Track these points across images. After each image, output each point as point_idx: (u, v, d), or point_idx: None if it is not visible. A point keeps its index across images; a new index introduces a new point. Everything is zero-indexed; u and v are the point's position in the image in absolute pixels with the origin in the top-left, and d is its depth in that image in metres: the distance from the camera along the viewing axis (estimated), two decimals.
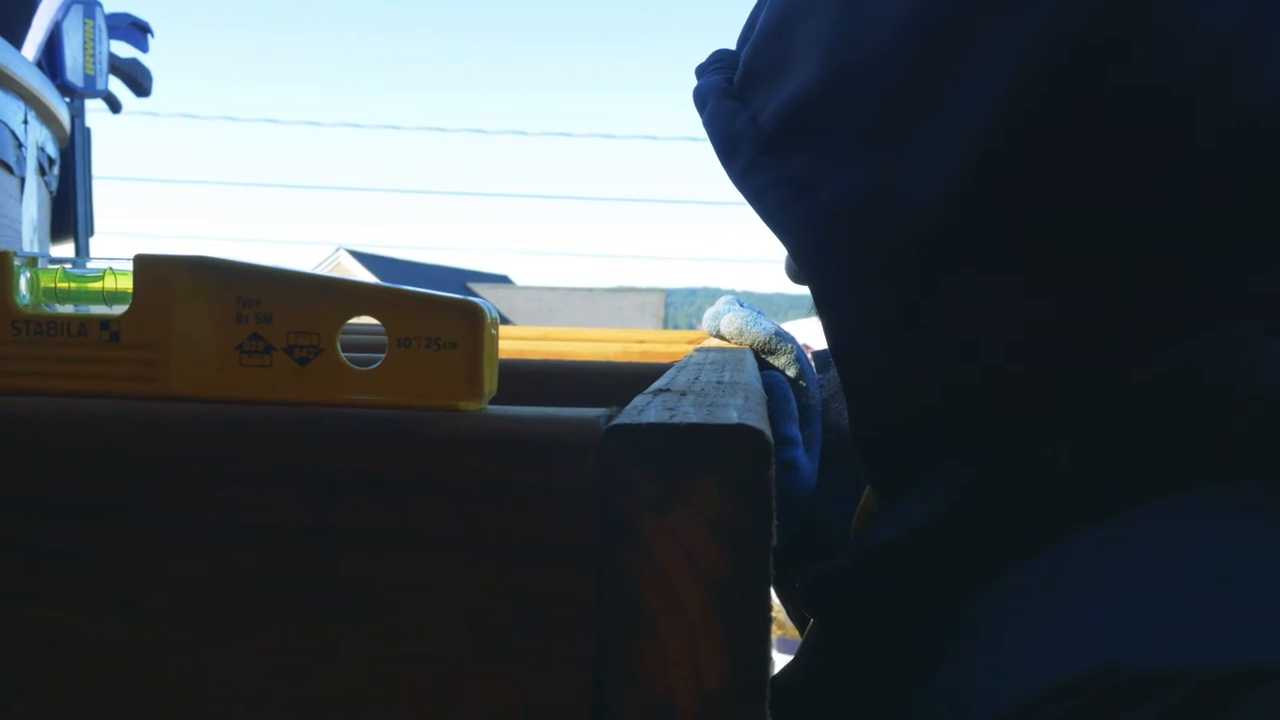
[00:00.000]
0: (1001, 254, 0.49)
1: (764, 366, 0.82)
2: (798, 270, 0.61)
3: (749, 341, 0.82)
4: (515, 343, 1.20)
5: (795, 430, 0.81)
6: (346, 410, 0.32)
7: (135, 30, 2.25)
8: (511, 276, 35.73)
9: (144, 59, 2.29)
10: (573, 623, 0.30)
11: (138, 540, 0.31)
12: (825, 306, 0.54)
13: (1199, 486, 0.43)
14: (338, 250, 24.92)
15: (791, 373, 0.83)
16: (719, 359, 0.57)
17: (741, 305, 0.85)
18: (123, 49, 2.24)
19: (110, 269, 0.37)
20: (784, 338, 0.83)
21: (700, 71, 0.63)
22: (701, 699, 0.29)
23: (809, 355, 0.84)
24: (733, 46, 0.65)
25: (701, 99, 0.61)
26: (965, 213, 0.48)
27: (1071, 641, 0.36)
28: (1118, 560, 0.40)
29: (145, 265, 0.35)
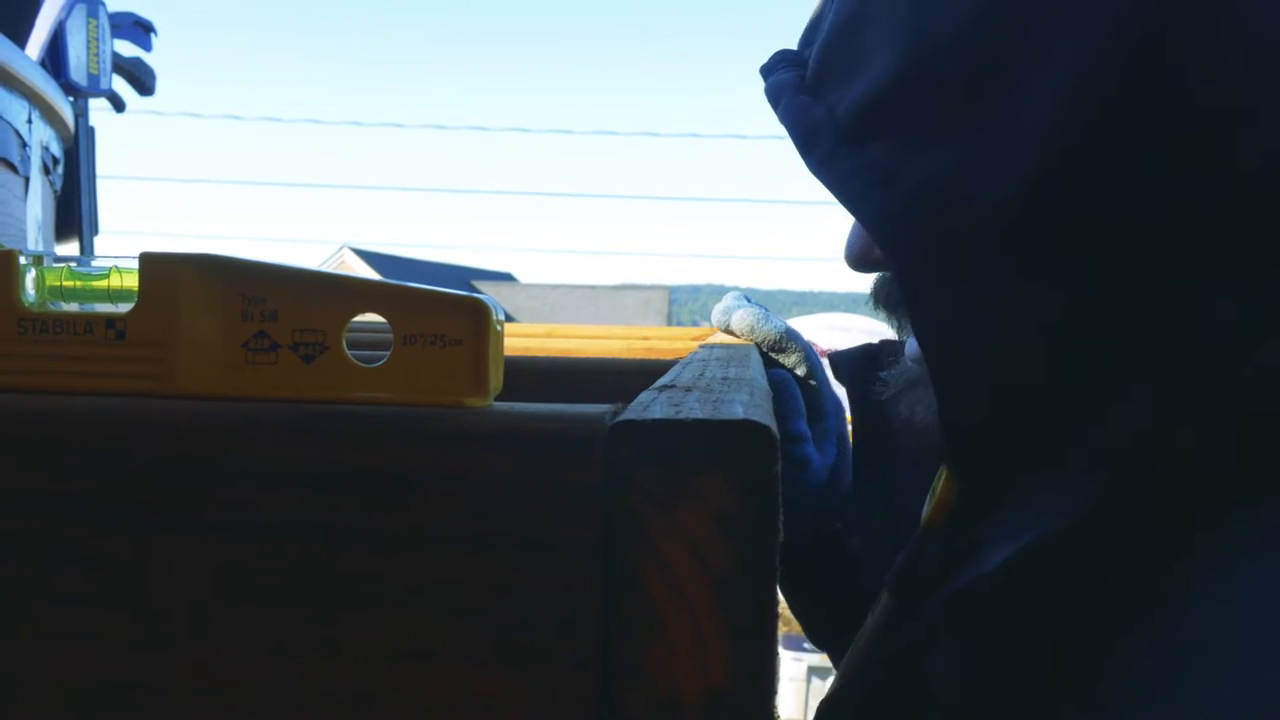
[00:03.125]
0: (1080, 248, 0.51)
1: (771, 364, 0.83)
2: (859, 258, 0.64)
3: (759, 339, 0.83)
4: (519, 340, 1.20)
5: (804, 426, 0.81)
6: (352, 407, 0.32)
7: (139, 29, 2.25)
8: (515, 274, 35.75)
9: (147, 58, 2.29)
10: (579, 619, 0.30)
11: (142, 538, 0.31)
12: (909, 291, 0.55)
13: None
14: (341, 248, 24.94)
15: (801, 371, 0.84)
16: (724, 355, 0.57)
17: (749, 302, 0.85)
18: (126, 48, 2.24)
19: (115, 267, 0.37)
20: (793, 337, 0.84)
21: (767, 71, 0.65)
22: (708, 694, 0.29)
23: (819, 353, 0.85)
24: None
25: (775, 96, 0.62)
26: (1041, 204, 0.50)
27: None
28: None
29: (151, 263, 0.35)
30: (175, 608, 0.31)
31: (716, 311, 0.88)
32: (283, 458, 0.31)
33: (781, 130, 0.61)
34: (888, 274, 0.65)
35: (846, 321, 7.36)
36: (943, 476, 0.67)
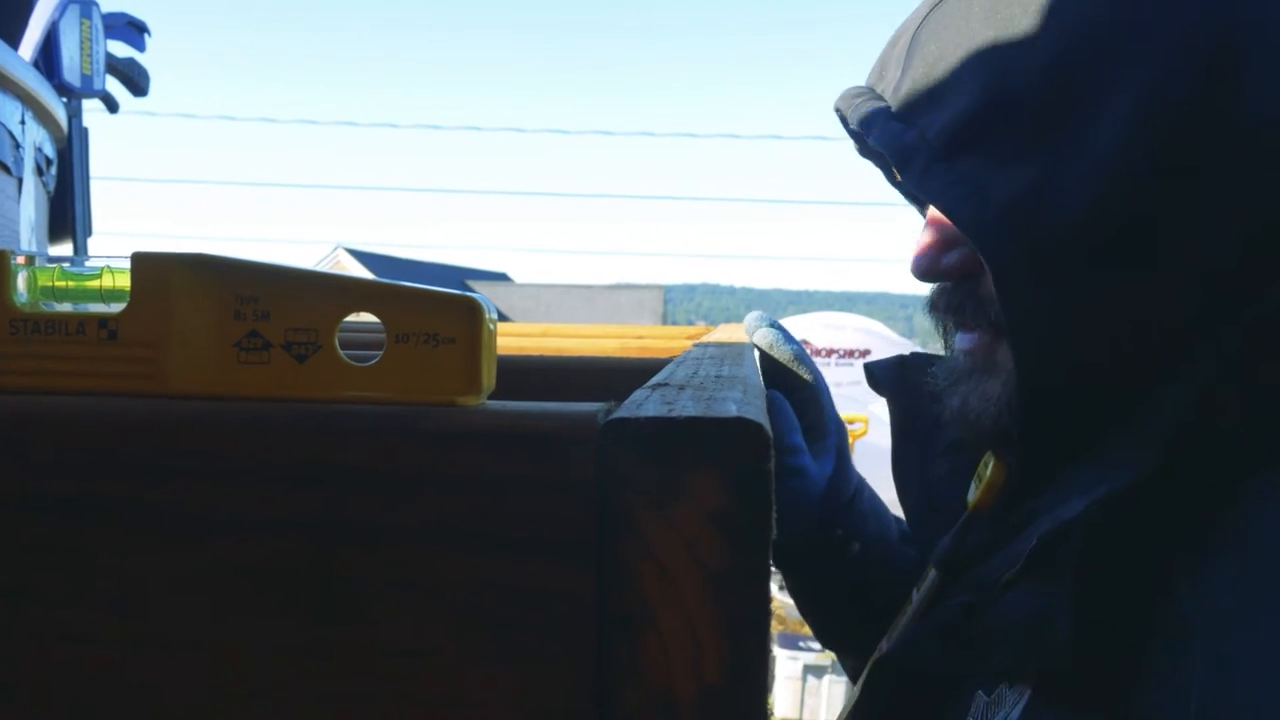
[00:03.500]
0: (1145, 251, 0.61)
1: (785, 380, 0.90)
2: (926, 270, 0.74)
3: (776, 356, 0.91)
4: (514, 339, 1.20)
5: (799, 439, 0.87)
6: (345, 406, 0.32)
7: (132, 29, 2.25)
8: (510, 274, 35.72)
9: (141, 58, 2.28)
10: (573, 617, 0.30)
11: (135, 537, 0.31)
12: (1003, 285, 0.65)
13: None
14: (336, 249, 24.91)
15: (809, 391, 0.91)
16: (718, 353, 0.57)
17: (771, 323, 0.93)
18: (119, 48, 2.23)
19: (108, 267, 0.37)
20: (805, 359, 0.92)
21: (847, 105, 0.76)
22: (702, 692, 0.29)
23: (813, 352, 0.90)
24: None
25: (868, 124, 0.72)
26: (1113, 213, 0.61)
27: None
28: None
29: (143, 263, 0.35)
30: (169, 608, 0.31)
31: (749, 319, 0.97)
32: (276, 457, 0.31)
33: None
34: (948, 284, 0.74)
35: (841, 320, 7.38)
36: (990, 463, 0.77)
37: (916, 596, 0.79)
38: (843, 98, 0.77)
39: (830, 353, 6.66)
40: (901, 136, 0.69)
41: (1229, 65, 0.59)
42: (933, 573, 0.78)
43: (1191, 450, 0.59)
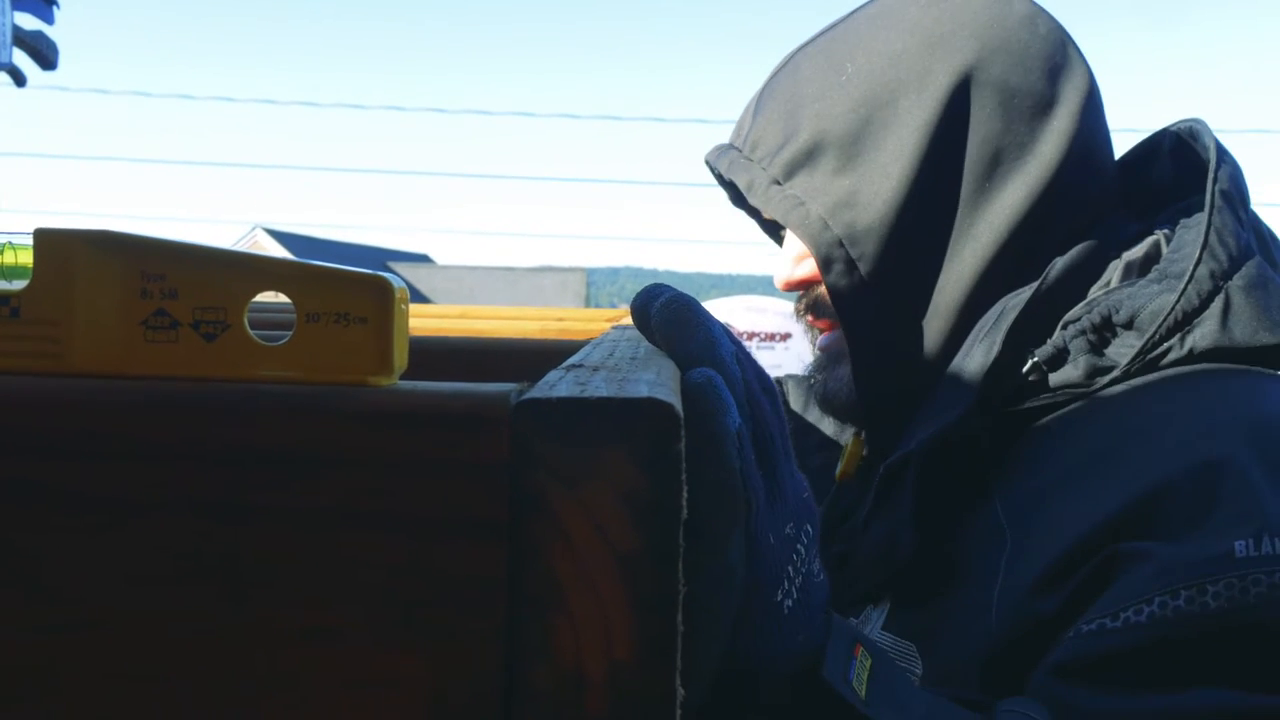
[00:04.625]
0: (937, 234, 0.84)
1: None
2: (786, 282, 0.94)
3: None
4: (433, 321, 1.19)
5: None
6: (255, 386, 0.32)
7: (40, 1, 2.19)
8: (433, 256, 35.42)
9: (50, 31, 2.22)
10: (484, 596, 0.30)
11: (39, 519, 0.30)
12: (825, 271, 0.85)
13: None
14: (254, 229, 24.50)
15: None
16: (635, 335, 0.58)
17: None
18: (27, 20, 2.17)
19: (10, 244, 0.36)
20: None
21: (714, 157, 0.98)
22: (612, 669, 0.30)
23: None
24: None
25: (728, 166, 0.94)
26: (903, 214, 0.83)
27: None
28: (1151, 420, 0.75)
29: (46, 240, 0.34)
30: (77, 590, 0.31)
31: None
32: (183, 437, 0.30)
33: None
34: (807, 292, 0.94)
35: (762, 303, 7.44)
36: (851, 440, 0.97)
37: None
38: (710, 152, 0.99)
39: (751, 336, 6.71)
40: (748, 170, 0.91)
41: (977, 109, 0.83)
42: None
43: (1000, 395, 0.80)
